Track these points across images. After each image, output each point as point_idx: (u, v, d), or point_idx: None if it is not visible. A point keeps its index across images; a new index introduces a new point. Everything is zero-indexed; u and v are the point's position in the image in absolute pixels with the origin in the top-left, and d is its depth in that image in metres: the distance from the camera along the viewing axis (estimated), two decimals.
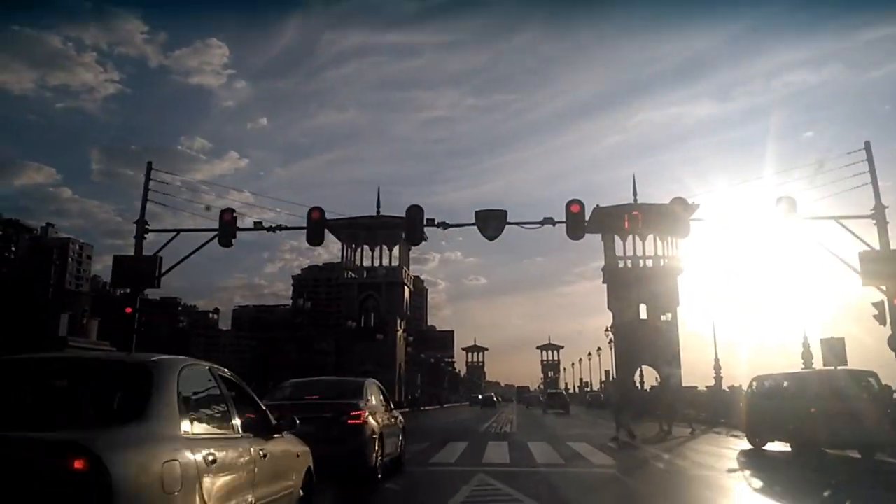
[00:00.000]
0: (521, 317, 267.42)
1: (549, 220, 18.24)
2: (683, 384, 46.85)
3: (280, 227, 18.43)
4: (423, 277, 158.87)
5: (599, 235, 56.68)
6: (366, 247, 58.90)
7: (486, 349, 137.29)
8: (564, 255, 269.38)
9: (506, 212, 18.45)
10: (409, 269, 61.32)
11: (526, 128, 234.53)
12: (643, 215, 52.60)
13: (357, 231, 56.65)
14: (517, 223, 18.69)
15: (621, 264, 55.11)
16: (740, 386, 34.62)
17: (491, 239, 18.24)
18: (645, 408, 34.72)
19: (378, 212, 59.21)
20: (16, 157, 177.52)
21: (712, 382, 37.53)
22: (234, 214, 17.92)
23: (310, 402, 8.56)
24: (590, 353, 73.01)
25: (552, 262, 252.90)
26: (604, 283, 55.58)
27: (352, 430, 8.14)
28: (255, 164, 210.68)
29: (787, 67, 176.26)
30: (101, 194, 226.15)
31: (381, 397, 9.94)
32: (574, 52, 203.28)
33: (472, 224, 18.22)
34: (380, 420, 8.97)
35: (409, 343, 62.95)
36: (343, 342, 53.02)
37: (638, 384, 52.19)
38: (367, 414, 8.46)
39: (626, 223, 16.77)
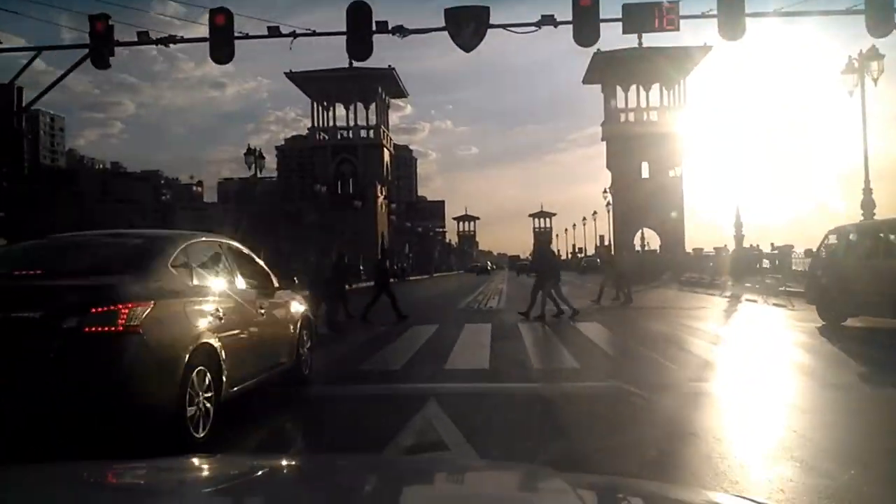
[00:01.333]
0: (513, 186, 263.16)
1: (549, 20, 13.05)
2: (689, 247, 43.32)
3: (174, 40, 13.43)
4: (412, 147, 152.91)
5: (599, 87, 51.06)
6: (340, 105, 53.13)
7: (478, 218, 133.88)
8: (558, 122, 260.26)
9: (488, 9, 13.17)
10: (388, 129, 55.85)
11: None
12: (649, 61, 47.29)
13: (327, 85, 50.74)
14: (503, 26, 13.53)
15: (623, 118, 49.79)
16: (756, 245, 31.10)
17: (467, 48, 13.16)
18: (639, 271, 31.51)
19: (350, 63, 53.25)
20: None
21: (721, 244, 33.93)
22: (110, 23, 12.84)
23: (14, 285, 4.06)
24: (584, 219, 69.14)
25: (545, 129, 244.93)
26: (603, 139, 50.53)
27: (89, 350, 3.72)
28: (235, 27, 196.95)
29: None
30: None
31: (231, 268, 5.27)
32: None
33: (441, 29, 13.16)
34: (212, 318, 4.50)
35: (393, 211, 58.68)
36: (318, 211, 48.57)
37: (638, 247, 48.69)
38: (144, 309, 3.88)
39: (656, 19, 11.82)
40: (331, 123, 52.73)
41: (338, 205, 47.97)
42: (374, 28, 12.83)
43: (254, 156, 27.27)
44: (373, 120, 52.88)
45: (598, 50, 48.67)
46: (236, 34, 12.91)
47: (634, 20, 12.10)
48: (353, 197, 47.66)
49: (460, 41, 12.84)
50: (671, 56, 45.02)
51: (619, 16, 12.64)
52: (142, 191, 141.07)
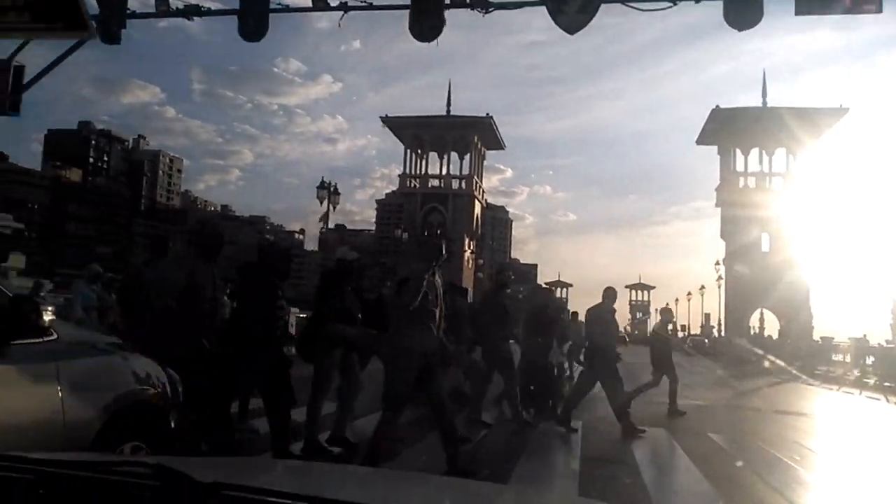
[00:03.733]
0: (609, 256, 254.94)
1: None
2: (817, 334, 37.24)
3: (199, 11, 10.80)
4: (509, 209, 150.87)
5: (714, 149, 46.38)
6: (434, 154, 50.91)
7: (571, 285, 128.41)
8: (661, 194, 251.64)
9: None
10: (481, 180, 53.03)
11: (625, 55, 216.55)
12: (774, 122, 42.43)
13: (422, 132, 48.75)
14: (623, 1, 9.60)
15: (741, 182, 44.70)
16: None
17: (572, 28, 9.50)
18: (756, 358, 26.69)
19: (448, 111, 51.27)
20: (123, 75, 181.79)
21: (855, 333, 28.54)
22: None
23: None
24: (689, 294, 63.30)
25: (647, 201, 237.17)
26: (717, 206, 45.47)
27: None
28: (348, 89, 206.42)
29: None
30: (202, 114, 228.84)
31: None
32: None
33: (538, 3, 9.72)
34: None
35: (480, 268, 55.28)
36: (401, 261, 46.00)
37: (755, 330, 42.81)
38: None
39: None
40: (423, 171, 50.53)
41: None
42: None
43: (327, 189, 24.89)
44: (466, 170, 50.29)
45: (717, 106, 44.53)
46: (273, 6, 10.17)
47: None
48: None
49: (563, 19, 9.38)
50: (799, 117, 40.16)
51: None
52: (247, 234, 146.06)
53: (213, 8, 11.04)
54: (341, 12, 10.29)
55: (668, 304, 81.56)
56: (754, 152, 44.85)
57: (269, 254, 5.84)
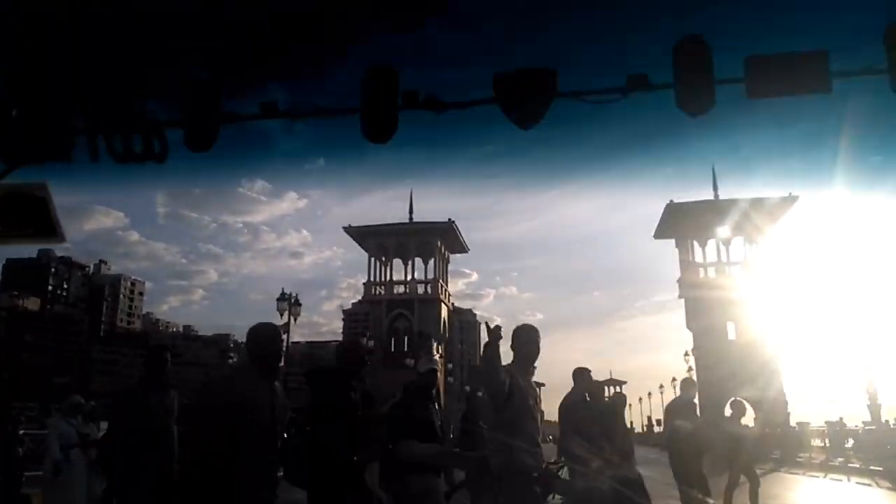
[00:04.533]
0: (579, 352, 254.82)
1: (639, 83, 9.02)
2: (792, 420, 36.87)
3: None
4: (476, 312, 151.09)
5: (672, 242, 47.41)
6: (398, 261, 51.09)
7: (543, 385, 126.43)
8: (624, 289, 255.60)
9: (554, 72, 9.14)
10: (447, 285, 53.04)
11: (581, 160, 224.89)
12: (728, 213, 43.76)
13: (385, 240, 49.06)
14: (576, 94, 9.47)
15: (701, 273, 45.48)
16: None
17: (525, 124, 9.29)
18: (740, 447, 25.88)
19: (411, 218, 51.90)
20: (85, 202, 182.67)
21: (830, 416, 28.34)
22: None
23: None
24: (661, 386, 62.74)
25: (611, 296, 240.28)
26: (680, 297, 45.93)
27: None
28: (313, 204, 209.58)
29: None
30: (166, 237, 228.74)
31: None
32: None
33: (490, 101, 9.74)
34: None
35: (450, 372, 54.31)
36: (369, 371, 44.93)
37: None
38: None
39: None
40: (388, 278, 50.47)
41: (389, 364, 44.22)
42: (398, 101, 9.80)
43: (288, 301, 24.50)
44: (431, 275, 50.37)
45: (671, 201, 45.88)
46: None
47: (767, 78, 7.60)
48: (406, 354, 43.90)
49: (516, 116, 9.48)
50: (752, 206, 41.58)
51: (741, 74, 8.97)
52: (210, 354, 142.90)
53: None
54: (297, 122, 10.30)
55: (640, 398, 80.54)
56: (711, 243, 45.98)
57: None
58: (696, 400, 8.48)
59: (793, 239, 73.65)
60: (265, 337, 4.06)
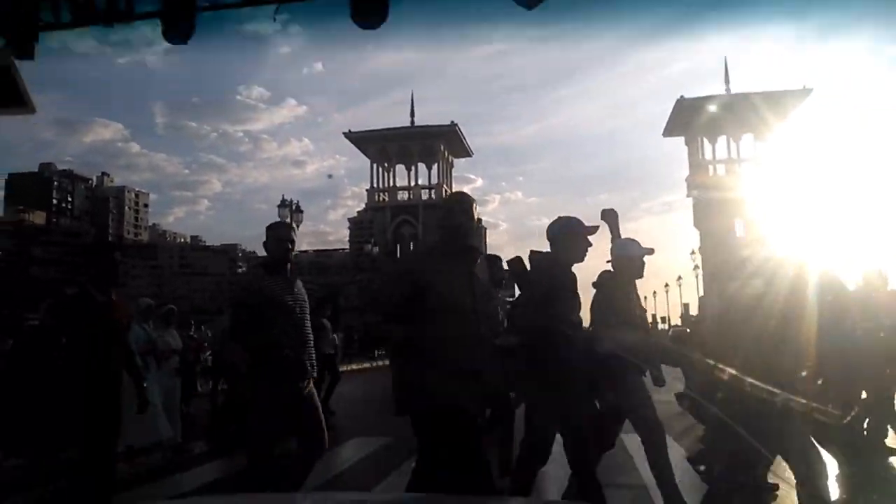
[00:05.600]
0: (587, 255, 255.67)
1: None
2: None
3: (118, 14, 9.84)
4: (482, 218, 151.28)
5: (682, 139, 46.29)
6: (400, 166, 50.20)
7: None
8: (630, 191, 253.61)
9: None
10: (451, 189, 52.39)
11: (586, 59, 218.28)
12: (739, 108, 42.37)
13: (387, 145, 48.04)
14: None
15: (711, 171, 44.63)
16: None
17: (529, 3, 8.74)
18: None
19: (412, 122, 50.60)
20: (84, 115, 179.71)
21: None
22: None
23: None
24: (667, 285, 63.00)
25: (617, 198, 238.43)
26: (688, 196, 45.34)
27: None
28: (313, 111, 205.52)
29: None
30: (167, 147, 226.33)
31: None
32: None
33: None
34: None
35: None
36: (377, 276, 45.04)
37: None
38: None
39: None
40: (392, 184, 49.78)
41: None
42: None
43: (289, 208, 23.96)
44: (434, 180, 49.64)
45: (682, 97, 44.45)
46: (200, 4, 9.29)
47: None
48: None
49: None
50: (764, 100, 40.19)
51: None
52: (220, 263, 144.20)
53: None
54: (275, 6, 9.46)
55: (645, 297, 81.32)
56: (721, 140, 44.88)
57: None
58: None
59: (805, 134, 72.08)
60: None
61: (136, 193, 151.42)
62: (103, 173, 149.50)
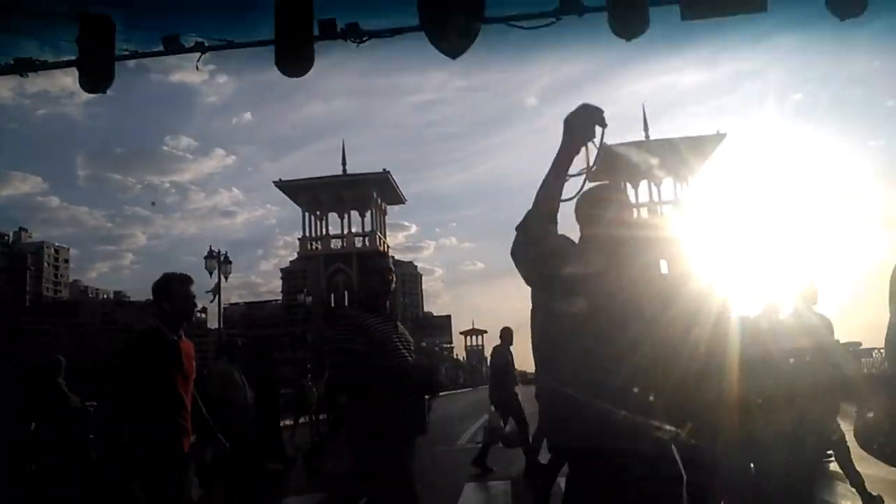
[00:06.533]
0: (519, 299, 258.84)
1: (572, 6, 8.80)
2: None
3: (33, 66, 9.51)
4: (417, 264, 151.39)
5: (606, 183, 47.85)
6: (333, 215, 50.00)
7: (485, 332, 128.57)
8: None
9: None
10: (385, 237, 52.42)
11: (513, 108, 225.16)
12: (658, 153, 44.27)
13: (319, 194, 47.86)
14: (505, 19, 9.17)
15: (634, 213, 46.18)
16: None
17: (455, 52, 8.95)
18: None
19: (344, 170, 50.65)
20: (0, 167, 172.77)
21: None
22: None
23: None
24: None
25: None
26: None
27: None
28: (242, 161, 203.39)
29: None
30: (89, 200, 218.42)
31: None
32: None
33: (416, 29, 9.21)
34: None
35: None
36: (310, 328, 44.15)
37: None
38: None
39: None
40: (324, 233, 49.43)
41: (330, 319, 43.65)
42: (314, 30, 9.01)
43: (217, 259, 23.29)
44: (368, 227, 49.59)
45: (603, 143, 45.97)
46: (119, 52, 9.13)
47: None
48: (347, 309, 43.39)
49: (445, 44, 8.88)
50: (682, 146, 42.15)
51: None
52: (146, 319, 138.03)
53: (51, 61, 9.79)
54: (219, 75, 9.44)
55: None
56: (643, 184, 46.68)
57: None
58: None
59: (722, 176, 75.76)
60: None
61: (55, 249, 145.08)
62: (21, 228, 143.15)
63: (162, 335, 3.61)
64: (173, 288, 3.79)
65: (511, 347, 9.00)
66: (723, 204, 44.84)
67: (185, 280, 3.89)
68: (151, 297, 3.79)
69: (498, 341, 9.14)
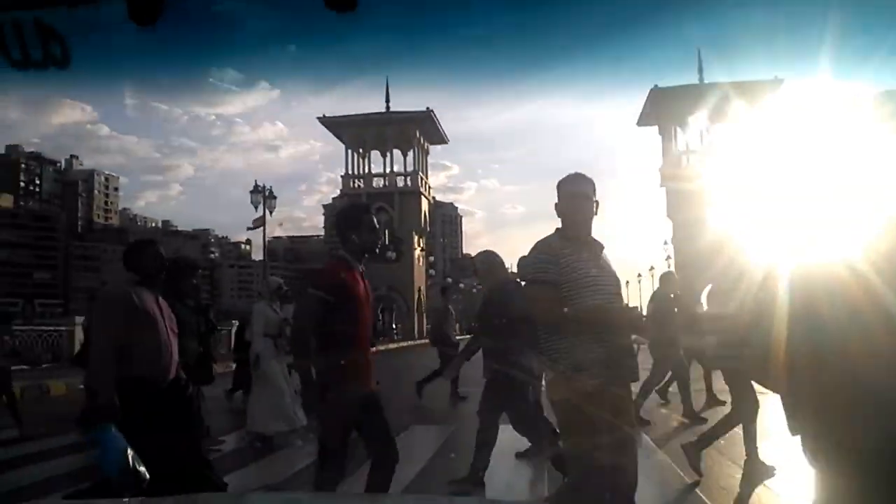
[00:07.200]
0: None
1: None
2: None
3: None
4: (458, 206, 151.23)
5: (656, 128, 46.57)
6: (376, 153, 49.88)
7: None
8: (605, 178, 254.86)
9: None
10: (427, 177, 52.20)
11: (563, 47, 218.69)
12: (712, 98, 42.70)
13: (362, 131, 47.66)
14: None
15: (684, 161, 44.99)
16: None
17: None
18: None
19: (388, 108, 50.22)
20: (51, 95, 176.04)
21: None
22: None
23: None
24: (640, 275, 63.52)
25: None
26: (661, 186, 45.70)
27: None
28: (286, 94, 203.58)
29: None
30: (137, 130, 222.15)
31: None
32: None
33: None
34: None
35: (431, 265, 54.48)
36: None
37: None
38: None
39: None
40: (366, 170, 49.46)
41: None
42: None
43: (262, 194, 23.63)
44: (410, 167, 49.39)
45: (656, 86, 44.66)
46: None
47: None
48: (387, 248, 43.71)
49: None
50: (736, 91, 40.49)
51: None
52: (192, 249, 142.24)
53: None
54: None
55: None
56: (694, 129, 45.23)
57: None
58: (673, 294, 8.38)
59: (777, 124, 72.82)
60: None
61: (105, 177, 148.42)
62: (72, 156, 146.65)
63: (352, 267, 3.48)
64: (363, 219, 3.60)
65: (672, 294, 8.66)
66: (777, 154, 43.22)
67: (371, 210, 3.76)
68: (338, 229, 3.53)
69: None
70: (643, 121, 46.63)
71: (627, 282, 75.81)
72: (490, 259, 5.39)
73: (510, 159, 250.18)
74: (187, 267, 5.25)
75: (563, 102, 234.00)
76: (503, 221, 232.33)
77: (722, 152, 44.86)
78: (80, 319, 16.54)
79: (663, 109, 43.31)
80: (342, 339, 3.34)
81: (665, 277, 9.28)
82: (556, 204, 3.19)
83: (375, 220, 3.65)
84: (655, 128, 45.95)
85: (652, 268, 57.01)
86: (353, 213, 3.64)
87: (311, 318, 3.34)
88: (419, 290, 49.46)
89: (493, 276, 5.27)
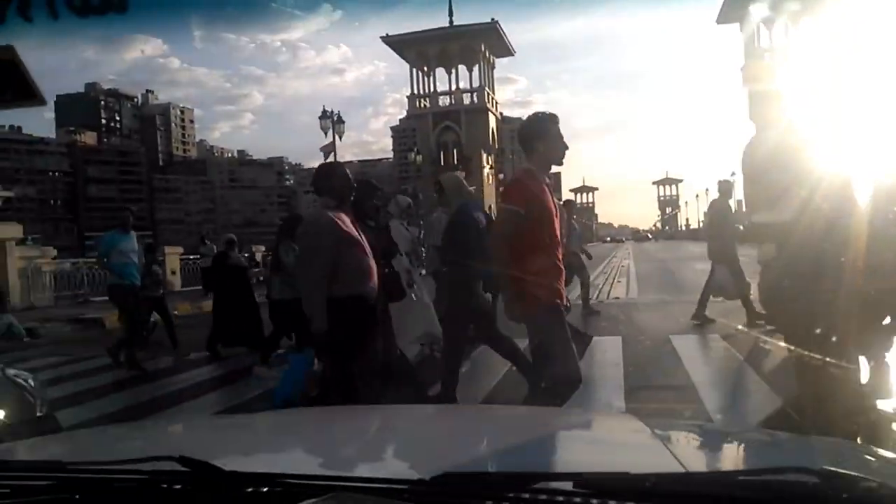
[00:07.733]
0: (633, 154, 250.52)
1: None
2: None
3: None
4: None
5: (737, 25, 43.65)
6: (441, 70, 48.89)
7: (596, 189, 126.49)
8: (682, 82, 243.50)
9: None
10: (493, 92, 50.99)
11: None
12: None
13: (426, 48, 46.62)
14: None
15: (767, 58, 42.17)
16: None
17: None
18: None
19: (451, 22, 48.81)
20: (122, 31, 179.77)
21: None
22: None
23: None
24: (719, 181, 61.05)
25: (667, 91, 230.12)
26: (744, 85, 43.19)
27: None
28: (348, 15, 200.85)
29: None
30: (207, 61, 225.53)
31: None
32: None
33: None
34: None
35: (501, 182, 53.92)
36: (421, 185, 44.77)
37: None
38: None
39: None
40: (431, 89, 48.69)
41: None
42: None
43: (330, 119, 23.73)
44: (476, 83, 48.29)
45: None
46: None
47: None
48: (456, 167, 43.41)
49: None
50: None
51: None
52: (267, 177, 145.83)
53: None
54: None
55: (696, 195, 79.33)
56: (779, 25, 42.12)
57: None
58: (731, 202, 8.94)
59: (867, 21, 66.91)
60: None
61: (181, 110, 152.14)
62: (148, 90, 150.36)
63: (538, 178, 3.58)
64: (550, 129, 3.59)
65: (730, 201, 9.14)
66: (869, 53, 39.94)
67: (556, 120, 3.72)
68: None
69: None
70: (723, 17, 43.78)
71: (707, 189, 73.18)
72: (456, 180, 5.57)
73: (582, 69, 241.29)
74: (370, 188, 5.34)
75: (637, 2, 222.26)
76: (574, 133, 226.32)
77: (809, 50, 41.79)
78: (208, 249, 17.25)
79: (745, 4, 40.44)
80: (536, 249, 3.51)
81: (723, 185, 9.44)
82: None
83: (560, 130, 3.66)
84: (736, 25, 43.10)
85: (733, 173, 54.81)
86: (538, 123, 3.62)
87: (506, 231, 3.54)
88: (489, 209, 49.27)
89: (459, 197, 5.36)
